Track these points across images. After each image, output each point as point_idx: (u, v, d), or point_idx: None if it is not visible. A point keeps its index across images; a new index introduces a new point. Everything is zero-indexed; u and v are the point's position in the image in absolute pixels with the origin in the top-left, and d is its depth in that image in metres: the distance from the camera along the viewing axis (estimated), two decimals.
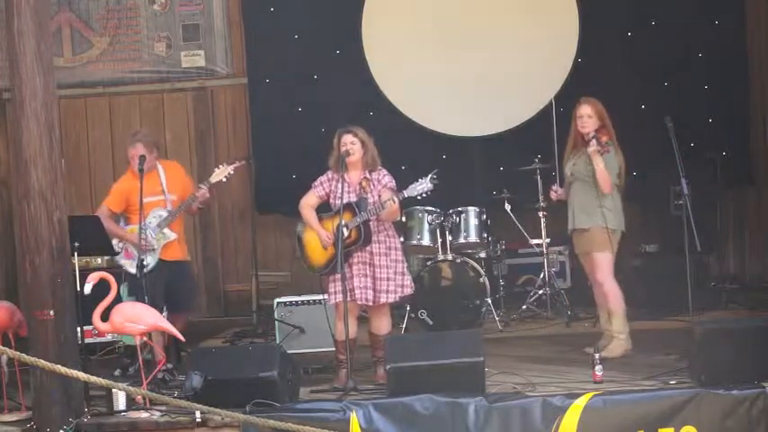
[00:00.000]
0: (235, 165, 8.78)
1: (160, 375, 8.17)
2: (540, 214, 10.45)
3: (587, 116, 8.55)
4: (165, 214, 8.67)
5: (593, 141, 8.36)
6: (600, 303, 8.77)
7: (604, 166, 8.39)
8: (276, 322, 9.68)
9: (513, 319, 10.36)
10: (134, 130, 9.38)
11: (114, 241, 8.71)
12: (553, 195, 8.88)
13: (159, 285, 8.60)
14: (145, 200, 8.59)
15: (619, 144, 8.59)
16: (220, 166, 8.82)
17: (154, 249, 8.66)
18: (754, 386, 7.25)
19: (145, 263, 8.46)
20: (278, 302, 9.74)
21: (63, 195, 7.63)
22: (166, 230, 8.66)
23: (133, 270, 8.59)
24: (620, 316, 8.55)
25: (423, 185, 8.08)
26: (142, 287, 8.33)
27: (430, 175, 8.10)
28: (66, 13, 11.99)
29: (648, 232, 11.33)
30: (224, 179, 8.78)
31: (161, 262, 8.71)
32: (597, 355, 7.80)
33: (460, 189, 10.47)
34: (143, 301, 8.16)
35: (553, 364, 8.51)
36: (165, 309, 8.50)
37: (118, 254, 8.75)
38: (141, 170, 8.56)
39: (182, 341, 8.37)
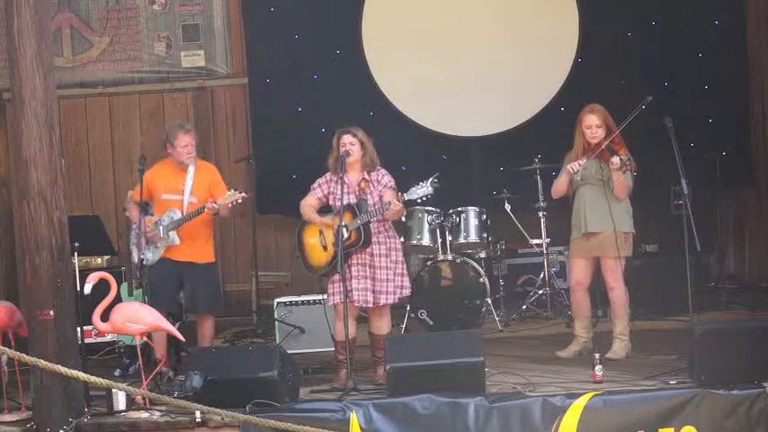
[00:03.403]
0: (243, 195, 8.68)
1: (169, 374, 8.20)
2: (540, 214, 10.44)
3: (596, 126, 8.48)
4: (176, 217, 8.62)
5: (617, 160, 8.26)
6: (577, 310, 8.70)
7: (625, 176, 8.36)
8: (276, 322, 9.68)
9: (513, 319, 10.35)
10: (181, 122, 9.14)
11: (133, 225, 8.74)
12: (576, 166, 8.44)
13: (164, 285, 8.56)
14: (164, 196, 8.65)
15: (624, 143, 8.57)
16: (230, 192, 8.63)
17: (157, 247, 8.63)
18: (754, 386, 7.26)
19: (144, 260, 8.46)
20: (278, 302, 9.74)
21: (63, 195, 7.62)
22: (172, 234, 8.60)
23: (136, 259, 8.64)
24: (623, 318, 8.55)
25: (423, 189, 8.04)
26: (144, 282, 8.33)
27: (431, 179, 8.06)
28: (66, 13, 11.99)
29: (648, 232, 11.31)
30: (230, 205, 8.68)
31: (167, 262, 8.63)
32: (597, 355, 7.81)
33: (460, 189, 10.47)
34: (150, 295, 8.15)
35: (553, 364, 8.51)
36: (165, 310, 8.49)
37: (117, 253, 8.73)
38: (141, 170, 8.55)
39: (182, 341, 8.37)
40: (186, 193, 8.68)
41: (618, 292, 8.53)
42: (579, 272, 8.66)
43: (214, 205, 8.50)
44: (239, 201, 8.61)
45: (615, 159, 8.27)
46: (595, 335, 8.75)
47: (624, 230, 8.46)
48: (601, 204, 8.47)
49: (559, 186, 8.71)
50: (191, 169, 8.72)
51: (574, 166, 8.47)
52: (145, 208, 8.69)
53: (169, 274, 8.62)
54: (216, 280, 9.06)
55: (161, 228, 8.61)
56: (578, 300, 8.71)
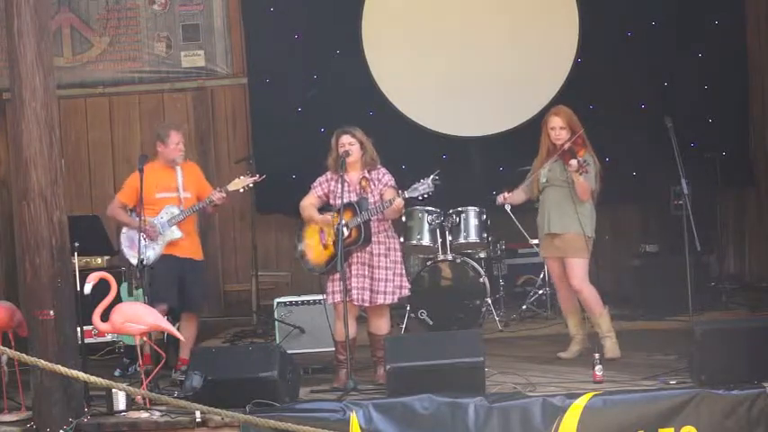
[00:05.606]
0: (255, 179, 8.74)
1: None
2: None
3: (560, 128, 8.48)
4: (176, 212, 8.62)
5: (575, 162, 8.28)
6: (566, 308, 8.73)
7: (585, 178, 8.36)
8: (276, 322, 9.68)
9: (513, 319, 10.36)
10: (171, 121, 9.30)
11: (124, 230, 8.69)
12: (501, 199, 8.67)
13: (168, 280, 8.53)
14: (159, 195, 8.63)
15: (594, 148, 8.53)
16: (241, 177, 8.76)
17: (158, 244, 8.58)
18: (754, 386, 7.25)
19: (144, 260, 8.44)
20: (278, 302, 9.74)
21: (63, 195, 7.62)
22: (174, 228, 8.62)
23: (135, 261, 8.59)
24: (605, 316, 8.53)
25: (424, 186, 8.05)
26: (146, 281, 8.32)
27: (432, 176, 8.07)
28: (66, 13, 12.00)
29: (648, 232, 11.32)
30: (241, 189, 8.73)
31: (170, 258, 8.62)
32: (597, 355, 7.81)
33: (460, 189, 10.46)
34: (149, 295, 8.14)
35: (553, 364, 8.51)
36: (167, 305, 8.47)
37: (117, 253, 8.72)
38: (141, 170, 8.53)
39: (182, 341, 8.37)
40: (180, 189, 8.70)
41: (585, 294, 8.50)
42: (554, 269, 8.71)
43: (222, 195, 8.55)
44: (250, 185, 8.68)
45: (572, 162, 8.29)
46: (592, 334, 8.75)
47: (586, 234, 8.44)
48: (566, 206, 8.47)
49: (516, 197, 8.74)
50: (178, 167, 8.75)
51: (499, 198, 8.65)
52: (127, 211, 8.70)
53: (172, 269, 8.59)
54: (205, 278, 9.13)
55: (159, 225, 8.59)
56: (563, 297, 8.75)
